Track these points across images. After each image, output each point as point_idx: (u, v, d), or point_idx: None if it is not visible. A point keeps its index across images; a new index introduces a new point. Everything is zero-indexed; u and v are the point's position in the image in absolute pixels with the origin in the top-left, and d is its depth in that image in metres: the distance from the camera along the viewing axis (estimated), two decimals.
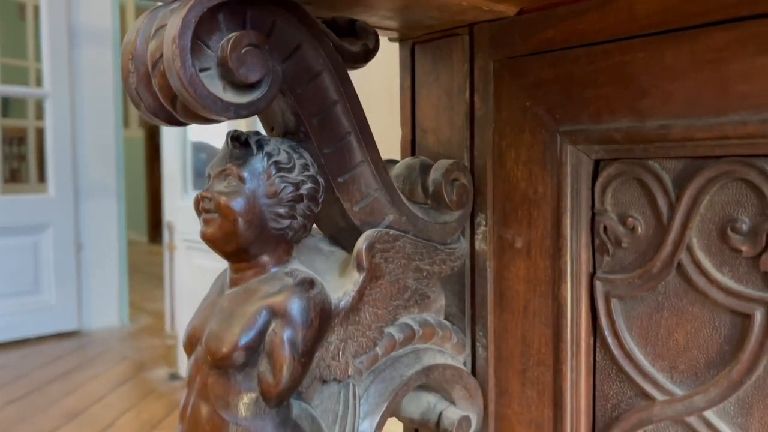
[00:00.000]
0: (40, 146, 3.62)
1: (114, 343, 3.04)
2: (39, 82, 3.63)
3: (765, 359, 0.44)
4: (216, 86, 0.41)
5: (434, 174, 0.55)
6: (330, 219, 0.52)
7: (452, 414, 0.56)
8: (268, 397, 0.44)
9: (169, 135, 2.46)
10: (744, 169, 0.44)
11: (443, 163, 0.55)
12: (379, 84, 1.04)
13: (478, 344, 0.59)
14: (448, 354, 0.57)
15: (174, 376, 2.48)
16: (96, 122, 3.43)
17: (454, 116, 0.60)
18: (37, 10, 3.50)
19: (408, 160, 0.59)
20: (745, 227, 0.44)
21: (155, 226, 7.58)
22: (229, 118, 0.42)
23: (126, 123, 5.38)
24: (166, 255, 2.47)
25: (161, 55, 0.40)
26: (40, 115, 3.64)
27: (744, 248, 0.44)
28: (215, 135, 2.29)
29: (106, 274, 3.45)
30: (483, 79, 0.57)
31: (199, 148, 2.45)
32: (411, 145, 0.64)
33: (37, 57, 3.63)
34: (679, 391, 0.48)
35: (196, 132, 2.40)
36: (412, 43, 0.63)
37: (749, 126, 0.42)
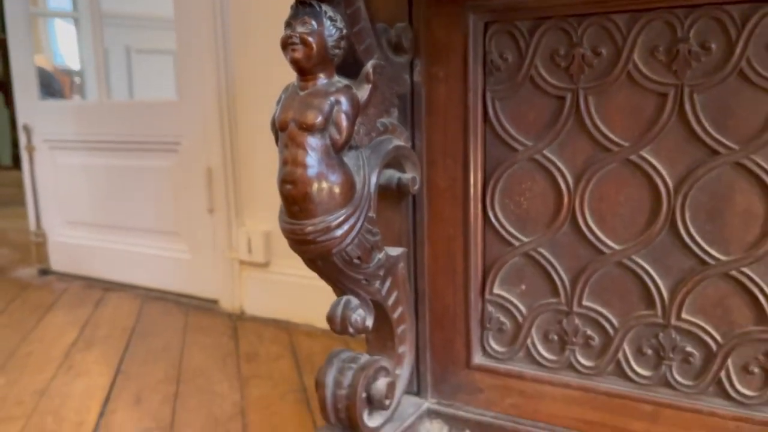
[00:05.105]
0: None
1: None
2: None
3: (571, 118, 0.90)
4: None
5: (396, 30, 0.93)
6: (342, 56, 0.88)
7: (407, 176, 0.97)
8: (336, 146, 0.80)
9: (15, 42, 2.46)
10: (562, 23, 0.88)
11: (401, 24, 0.93)
12: None
13: (416, 139, 1.00)
14: (402, 142, 0.97)
15: (45, 272, 2.59)
16: None
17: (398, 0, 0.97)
18: None
19: None
20: (562, 52, 0.89)
21: None
22: None
23: None
24: (25, 157, 2.51)
25: None
26: None
27: (562, 63, 0.89)
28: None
29: None
30: None
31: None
32: None
33: None
34: (530, 143, 0.93)
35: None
36: None
37: None
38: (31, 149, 2.49)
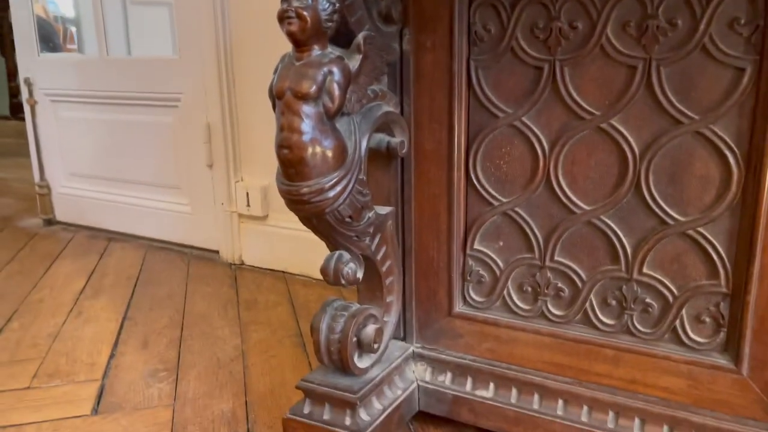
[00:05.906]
0: None
1: None
2: None
3: (548, 87, 0.97)
4: None
5: (386, 2, 0.99)
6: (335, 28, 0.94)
7: (395, 139, 1.04)
8: (329, 114, 0.87)
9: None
10: None
11: None
12: None
13: (404, 104, 1.07)
14: (391, 108, 1.04)
15: (50, 222, 2.67)
16: None
17: None
18: None
19: None
20: (541, 25, 0.95)
21: None
22: None
23: None
24: (27, 110, 2.56)
25: None
26: None
27: (541, 36, 0.95)
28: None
29: None
30: None
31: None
32: None
33: None
34: (510, 110, 1.00)
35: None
36: None
37: None
38: (32, 102, 2.54)
